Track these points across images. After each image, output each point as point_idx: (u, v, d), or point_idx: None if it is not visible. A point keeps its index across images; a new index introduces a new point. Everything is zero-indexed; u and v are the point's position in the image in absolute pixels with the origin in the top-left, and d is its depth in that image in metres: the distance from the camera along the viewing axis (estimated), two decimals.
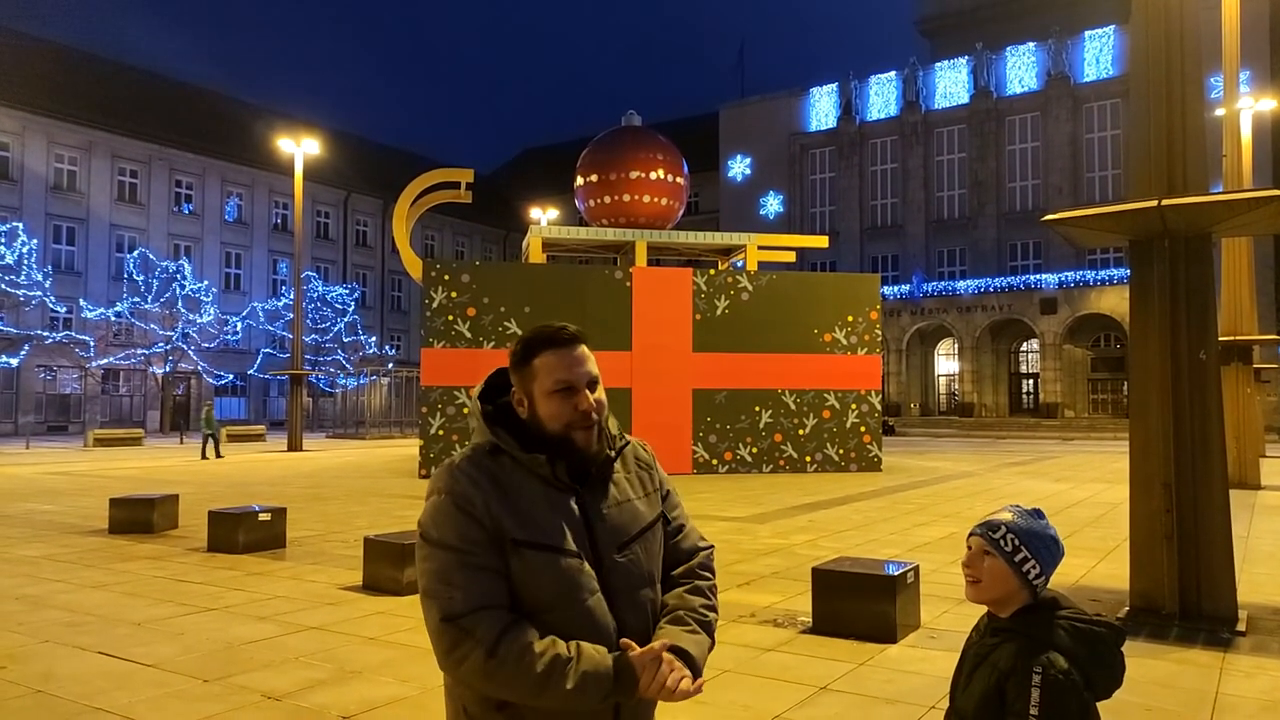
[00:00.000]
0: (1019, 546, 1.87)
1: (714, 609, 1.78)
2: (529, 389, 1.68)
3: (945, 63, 52.03)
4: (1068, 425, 42.83)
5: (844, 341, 19.59)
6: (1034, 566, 1.87)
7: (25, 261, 36.89)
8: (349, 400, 45.98)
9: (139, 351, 40.68)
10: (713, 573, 1.84)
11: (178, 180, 45.92)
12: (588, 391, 1.68)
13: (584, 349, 1.70)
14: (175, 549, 9.43)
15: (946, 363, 51.62)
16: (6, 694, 4.76)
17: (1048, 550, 1.88)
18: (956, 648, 2.01)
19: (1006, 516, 1.92)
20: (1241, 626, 5.96)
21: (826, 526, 11.04)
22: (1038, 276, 45.96)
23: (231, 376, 45.29)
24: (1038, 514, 1.93)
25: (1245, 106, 19.13)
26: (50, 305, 38.11)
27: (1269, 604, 6.80)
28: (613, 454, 1.74)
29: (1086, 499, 14.08)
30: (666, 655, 1.59)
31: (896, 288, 48.64)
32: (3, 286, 35.84)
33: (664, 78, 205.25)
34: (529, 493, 1.63)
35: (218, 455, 24.28)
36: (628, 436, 1.83)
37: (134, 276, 40.67)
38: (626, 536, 1.69)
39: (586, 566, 1.62)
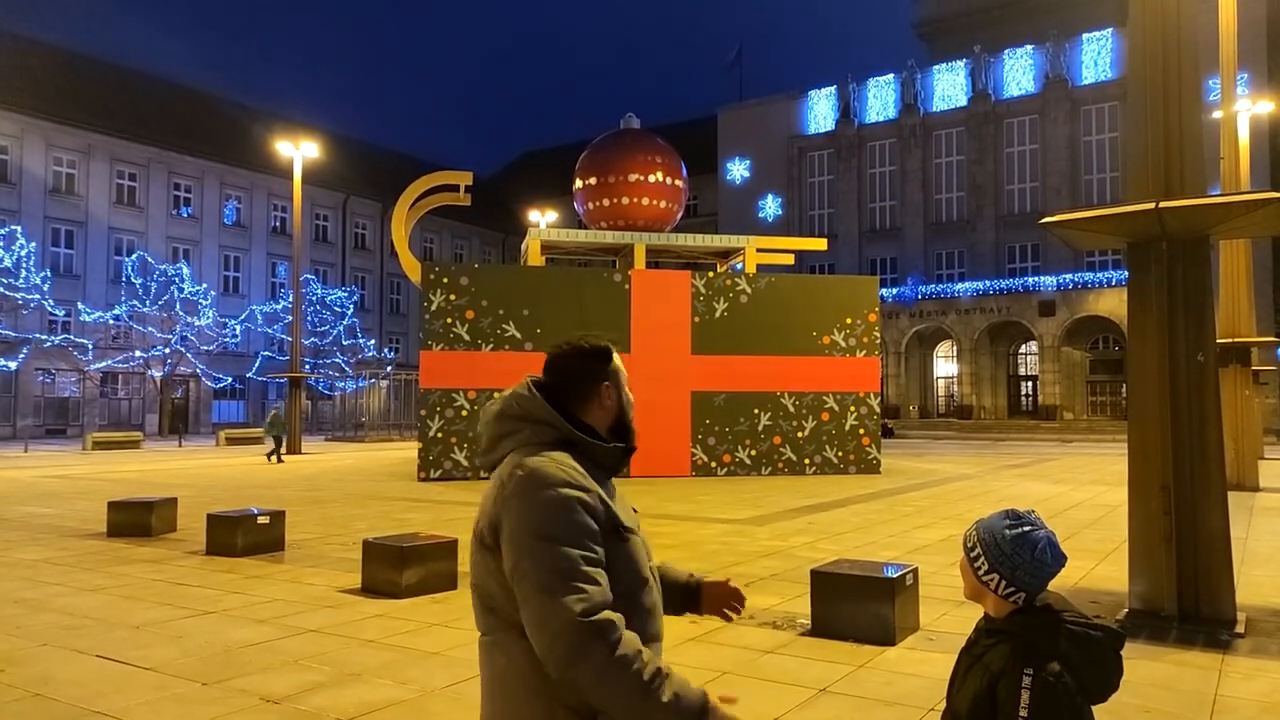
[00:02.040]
0: (975, 544, 1.91)
1: None
2: (618, 383, 1.93)
3: (943, 65, 52.09)
4: (1066, 427, 42.84)
5: (843, 344, 19.60)
6: (983, 564, 1.87)
7: (24, 264, 36.86)
8: (348, 403, 45.95)
9: (137, 354, 40.65)
10: None
11: (176, 183, 45.90)
12: None
13: None
14: (174, 552, 9.42)
15: (945, 365, 51.64)
16: (5, 697, 4.75)
17: (999, 550, 1.85)
18: (955, 650, 2.02)
19: (986, 517, 1.94)
20: (1240, 629, 5.96)
21: (825, 529, 11.03)
22: (1036, 279, 46.00)
23: (230, 379, 45.25)
24: (1014, 516, 1.90)
25: (1243, 109, 19.17)
26: (49, 308, 38.09)
27: (1268, 606, 6.80)
28: None
29: (1085, 501, 14.09)
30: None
31: (895, 290, 48.69)
32: (1, 290, 35.82)
33: (662, 81, 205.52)
34: (602, 482, 1.81)
35: (278, 459, 23.98)
36: None
37: (132, 280, 40.66)
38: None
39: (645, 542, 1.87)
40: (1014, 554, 1.84)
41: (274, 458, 24.13)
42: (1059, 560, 1.86)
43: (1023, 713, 1.73)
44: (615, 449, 1.86)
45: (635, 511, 1.93)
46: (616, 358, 1.94)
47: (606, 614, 1.60)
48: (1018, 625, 1.85)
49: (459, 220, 56.55)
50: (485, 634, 1.78)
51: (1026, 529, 1.86)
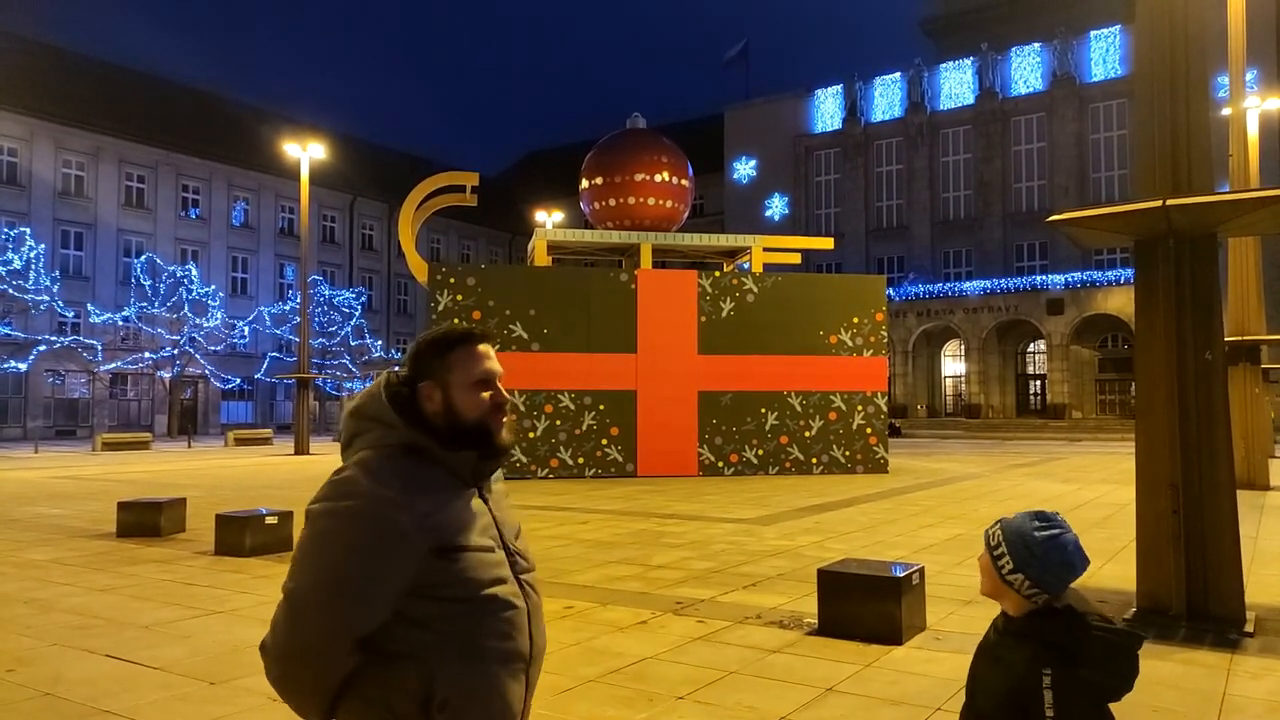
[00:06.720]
0: (1000, 543, 1.91)
1: None
2: (445, 380, 1.71)
3: (950, 63, 51.99)
4: (1075, 426, 42.70)
5: (850, 343, 19.56)
6: (1008, 563, 1.88)
7: (33, 266, 37.06)
8: None
9: (146, 356, 40.85)
10: None
11: (185, 185, 46.10)
12: (500, 385, 1.76)
13: (490, 348, 1.78)
14: (183, 552, 9.45)
15: (953, 364, 51.51)
16: (15, 696, 4.78)
17: (1027, 551, 1.86)
18: (962, 649, 2.03)
19: (1010, 516, 1.94)
20: (1249, 628, 5.93)
21: (832, 528, 11.02)
22: (1044, 277, 45.86)
23: (238, 380, 45.44)
24: (1043, 518, 1.90)
25: (1252, 106, 19.03)
26: (58, 310, 38.30)
27: (1277, 605, 6.76)
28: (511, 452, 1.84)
29: (1094, 500, 14.04)
30: None
31: (902, 288, 48.59)
32: (11, 291, 36.02)
33: (669, 80, 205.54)
34: (446, 493, 1.65)
35: None
36: None
37: (141, 281, 40.88)
38: (516, 528, 1.80)
39: (503, 556, 1.69)
40: (1045, 556, 1.84)
41: None
42: (1084, 563, 1.87)
43: (1049, 713, 1.74)
44: (465, 456, 1.67)
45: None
46: (460, 348, 1.72)
47: (317, 656, 1.56)
48: (1038, 627, 1.85)
49: (465, 220, 56.64)
50: None
51: (1056, 531, 1.87)
